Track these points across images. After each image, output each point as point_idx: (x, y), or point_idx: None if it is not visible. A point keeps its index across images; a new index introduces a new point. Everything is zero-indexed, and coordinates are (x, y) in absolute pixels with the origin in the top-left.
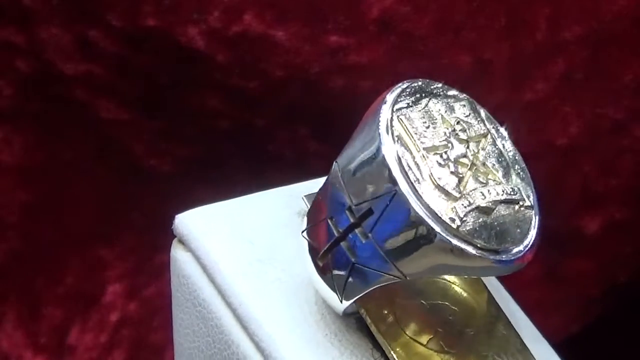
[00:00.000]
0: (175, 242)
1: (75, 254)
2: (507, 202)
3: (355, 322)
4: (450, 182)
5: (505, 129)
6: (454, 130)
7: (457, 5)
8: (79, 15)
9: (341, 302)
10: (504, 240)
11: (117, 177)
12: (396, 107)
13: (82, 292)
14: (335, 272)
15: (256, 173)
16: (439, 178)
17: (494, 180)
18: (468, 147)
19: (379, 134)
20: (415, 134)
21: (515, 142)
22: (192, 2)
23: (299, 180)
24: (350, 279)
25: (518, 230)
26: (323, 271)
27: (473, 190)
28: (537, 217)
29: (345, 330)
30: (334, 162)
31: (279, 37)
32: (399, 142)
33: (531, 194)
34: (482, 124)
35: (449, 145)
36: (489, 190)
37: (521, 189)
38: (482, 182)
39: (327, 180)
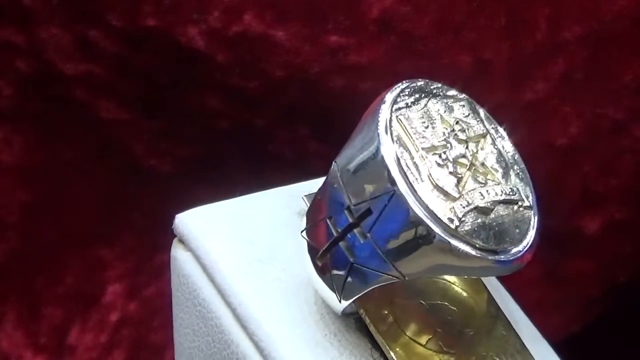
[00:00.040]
0: (175, 242)
1: (75, 254)
2: (506, 202)
3: (354, 322)
4: (449, 183)
5: (505, 129)
6: (453, 130)
7: (457, 5)
8: (79, 15)
9: (340, 302)
10: (503, 241)
11: (117, 177)
12: (395, 107)
13: (82, 292)
14: (334, 272)
15: (256, 173)
16: (437, 178)
17: (493, 181)
18: (467, 148)
19: (378, 134)
20: (414, 134)
21: (515, 142)
22: (192, 2)
23: (299, 180)
24: (349, 279)
25: (517, 231)
26: (322, 271)
27: (472, 190)
28: (536, 218)
29: (344, 330)
30: (333, 162)
31: (279, 37)
32: (398, 142)
33: (530, 194)
34: (481, 124)
35: (448, 145)
36: (487, 191)
37: (520, 189)
38: (481, 183)
39: (326, 180)
